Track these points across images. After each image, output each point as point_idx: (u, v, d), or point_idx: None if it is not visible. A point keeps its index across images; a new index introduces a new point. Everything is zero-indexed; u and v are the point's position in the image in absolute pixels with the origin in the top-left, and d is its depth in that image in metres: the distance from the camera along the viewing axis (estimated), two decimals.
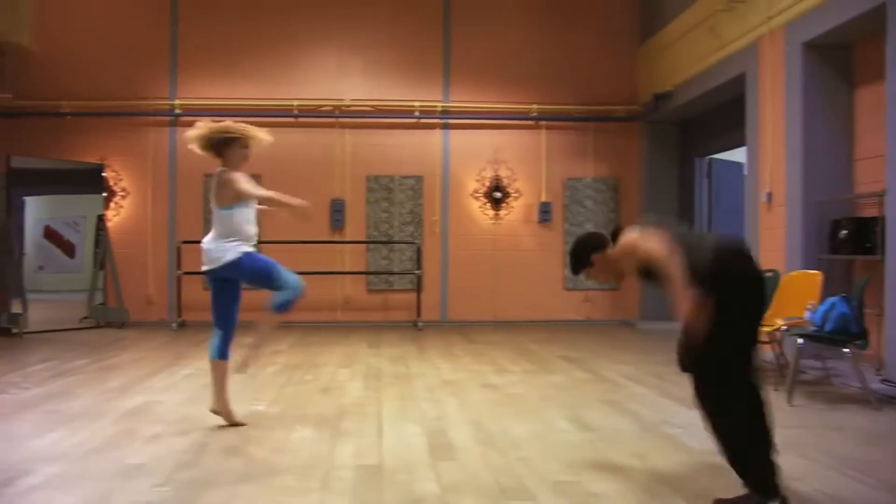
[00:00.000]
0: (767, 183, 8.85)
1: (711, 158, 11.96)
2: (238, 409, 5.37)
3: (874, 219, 7.30)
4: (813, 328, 6.19)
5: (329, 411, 5.70)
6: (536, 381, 7.07)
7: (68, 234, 11.92)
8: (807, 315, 6.38)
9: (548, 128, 12.52)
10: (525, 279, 12.45)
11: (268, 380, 7.10)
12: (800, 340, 6.24)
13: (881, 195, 7.06)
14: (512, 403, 6.02)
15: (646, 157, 12.55)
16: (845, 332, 5.95)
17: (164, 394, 6.36)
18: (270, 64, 12.33)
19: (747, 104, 9.35)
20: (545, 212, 12.43)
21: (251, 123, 11.09)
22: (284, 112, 12.20)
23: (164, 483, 3.90)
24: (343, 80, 12.39)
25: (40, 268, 11.80)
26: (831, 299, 6.13)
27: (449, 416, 5.56)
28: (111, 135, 12.12)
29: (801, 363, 7.72)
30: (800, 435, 4.97)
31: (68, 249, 11.93)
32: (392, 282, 12.37)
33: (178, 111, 12.14)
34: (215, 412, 5.19)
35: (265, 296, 5.12)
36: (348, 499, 3.68)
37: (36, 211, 11.79)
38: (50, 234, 11.87)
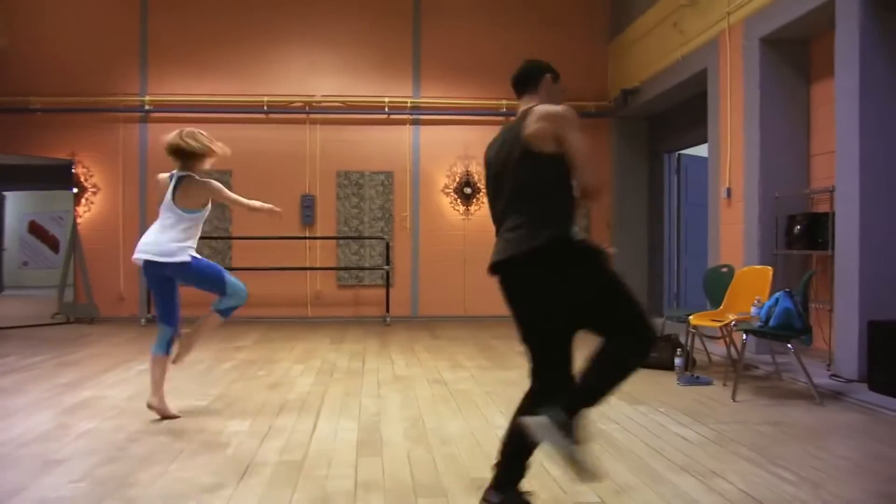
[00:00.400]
0: (727, 178, 8.89)
1: (680, 154, 11.99)
2: (181, 403, 5.42)
3: (826, 214, 7.35)
4: (759, 323, 6.22)
5: (271, 406, 5.73)
6: (487, 378, 7.10)
7: (53, 230, 11.96)
8: (753, 310, 6.42)
9: None
10: None
11: (221, 375, 7.12)
12: (744, 336, 6.29)
13: (832, 191, 7.10)
14: (456, 399, 6.06)
15: (615, 152, 12.59)
16: (789, 328, 5.99)
17: (112, 389, 6.38)
18: (240, 60, 12.33)
19: (709, 100, 9.39)
20: None
21: (222, 120, 11.28)
22: (255, 108, 12.21)
23: (80, 479, 3.92)
24: (313, 77, 12.40)
25: (24, 263, 11.86)
26: (775, 295, 6.17)
27: (388, 412, 5.59)
28: (81, 131, 12.13)
29: (753, 358, 7.82)
30: (735, 430, 5.01)
31: (53, 244, 11.97)
32: (362, 277, 12.39)
33: (148, 107, 12.13)
34: (151, 407, 5.24)
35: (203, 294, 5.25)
36: (259, 495, 3.70)
37: (19, 206, 11.83)
38: (35, 230, 11.93)
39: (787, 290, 6.13)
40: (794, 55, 8.23)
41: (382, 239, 12.21)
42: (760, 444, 4.67)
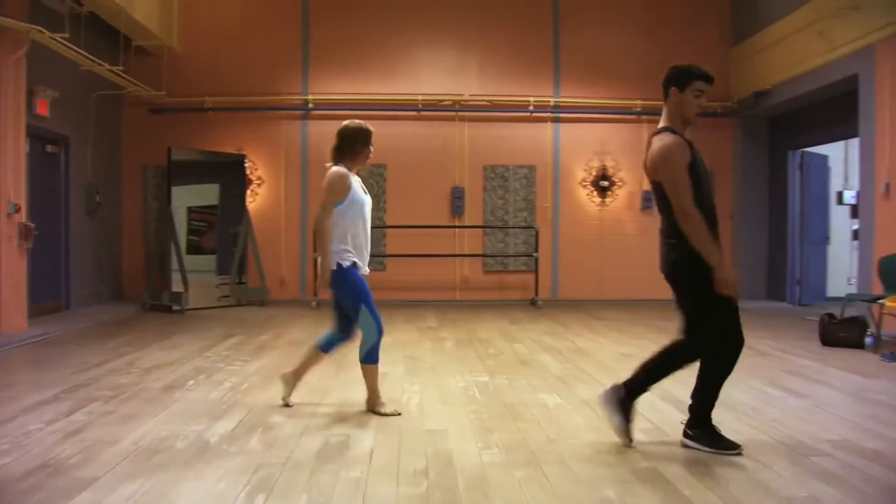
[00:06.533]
0: (885, 174, 9.88)
1: (803, 151, 13.01)
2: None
3: None
4: None
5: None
6: None
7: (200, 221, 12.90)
8: None
9: (649, 122, 13.51)
10: (629, 261, 13.49)
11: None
12: None
13: None
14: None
15: (739, 149, 13.62)
16: None
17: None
18: (394, 61, 13.34)
19: (861, 103, 10.35)
20: (647, 199, 13.46)
21: (377, 116, 12.20)
22: (408, 106, 13.18)
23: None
24: (462, 77, 13.39)
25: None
26: None
27: None
28: (247, 127, 13.09)
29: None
30: None
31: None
32: (507, 263, 13.39)
33: (310, 105, 13.09)
34: (284, 379, 5.53)
35: None
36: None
37: (178, 199, 12.76)
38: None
39: None
40: None
41: (531, 228, 13.18)
42: None
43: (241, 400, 5.57)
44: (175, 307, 11.51)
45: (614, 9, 13.60)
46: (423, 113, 13.24)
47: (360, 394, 5.47)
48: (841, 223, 13.78)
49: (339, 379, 6.40)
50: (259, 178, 13.18)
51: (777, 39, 12.28)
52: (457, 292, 13.37)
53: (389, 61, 13.34)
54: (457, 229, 13.29)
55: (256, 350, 7.99)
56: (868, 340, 8.18)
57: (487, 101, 13.37)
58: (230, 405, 5.40)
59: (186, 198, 12.51)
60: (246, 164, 12.93)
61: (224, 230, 12.83)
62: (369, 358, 5.15)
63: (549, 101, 13.38)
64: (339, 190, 5.06)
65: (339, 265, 5.05)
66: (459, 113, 13.32)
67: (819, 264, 13.21)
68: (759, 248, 13.67)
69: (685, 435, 4.45)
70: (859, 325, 8.40)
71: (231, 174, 12.83)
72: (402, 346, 8.34)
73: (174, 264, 11.81)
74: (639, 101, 13.33)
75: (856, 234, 13.80)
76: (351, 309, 5.14)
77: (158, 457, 4.16)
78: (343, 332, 5.38)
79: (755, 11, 13.01)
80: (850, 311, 8.99)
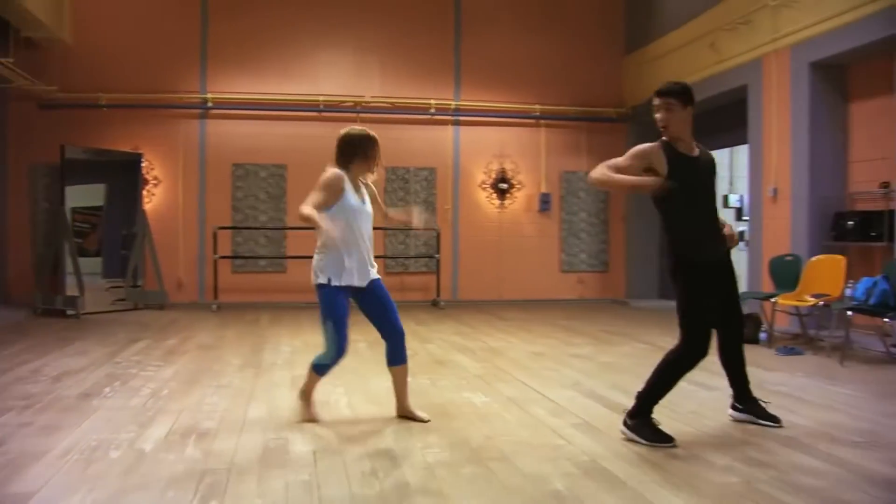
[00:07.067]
0: (772, 180, 10.44)
1: None
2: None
3: (880, 212, 8.94)
4: (855, 302, 7.72)
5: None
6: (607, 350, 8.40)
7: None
8: (848, 291, 7.93)
9: (547, 126, 13.91)
10: (527, 263, 13.79)
11: None
12: (849, 312, 7.76)
13: (886, 192, 8.71)
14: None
15: None
16: (886, 306, 7.52)
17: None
18: (296, 61, 13.25)
19: (750, 112, 10.92)
20: (545, 202, 13.82)
21: (280, 117, 12.02)
22: (310, 106, 13.11)
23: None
24: (363, 78, 13.41)
25: None
26: (873, 278, 7.70)
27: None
28: (145, 126, 12.73)
29: (816, 333, 9.36)
30: (879, 387, 6.47)
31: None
32: (408, 265, 13.48)
33: (209, 104, 12.85)
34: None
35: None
36: None
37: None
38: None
39: (885, 274, 7.67)
40: (835, 77, 9.82)
41: (432, 230, 13.30)
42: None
43: (166, 406, 5.45)
44: (70, 311, 11.11)
45: (514, 15, 13.88)
46: (324, 114, 13.18)
47: (284, 398, 5.48)
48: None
49: (261, 382, 6.36)
50: (155, 179, 12.84)
51: (670, 49, 12.79)
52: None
53: (291, 61, 13.23)
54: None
55: (167, 355, 7.80)
56: (762, 336, 8.71)
57: (389, 102, 13.42)
58: (155, 412, 5.29)
59: (72, 198, 12.01)
60: (142, 164, 12.57)
61: (112, 232, 12.44)
62: (318, 369, 5.07)
63: (450, 104, 13.55)
64: (329, 192, 4.91)
65: (316, 281, 4.94)
66: (361, 114, 13.31)
67: None
68: (651, 249, 14.16)
69: (624, 423, 4.65)
70: (754, 321, 8.87)
71: (126, 174, 12.45)
72: (314, 348, 8.19)
73: (68, 267, 11.39)
74: (538, 106, 13.66)
75: (741, 236, 14.51)
76: (321, 321, 4.97)
77: (94, 467, 4.05)
78: (386, 338, 5.17)
79: (648, 22, 13.52)
80: (744, 309, 9.46)
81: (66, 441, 4.53)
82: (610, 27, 14.23)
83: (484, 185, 13.79)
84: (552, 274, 14.01)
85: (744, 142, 11.40)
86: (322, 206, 4.86)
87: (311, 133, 13.12)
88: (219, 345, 8.55)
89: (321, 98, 13.16)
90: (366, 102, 13.35)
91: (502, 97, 13.73)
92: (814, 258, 9.12)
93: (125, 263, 12.23)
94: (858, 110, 9.62)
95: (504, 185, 13.80)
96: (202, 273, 12.89)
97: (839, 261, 8.54)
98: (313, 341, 8.80)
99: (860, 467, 4.07)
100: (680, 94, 4.69)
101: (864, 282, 7.85)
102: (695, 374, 6.58)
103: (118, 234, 12.44)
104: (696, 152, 4.81)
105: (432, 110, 13.45)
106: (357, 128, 5.24)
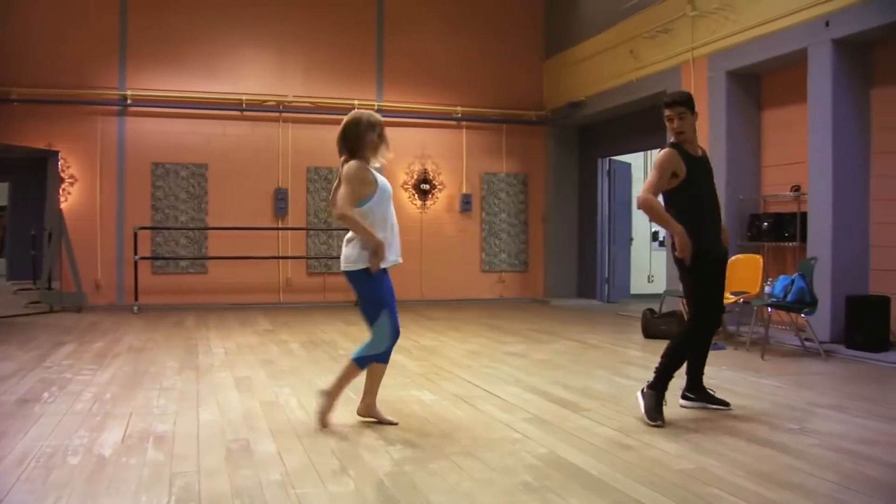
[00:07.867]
0: None
1: (611, 159, 13.99)
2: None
3: (793, 214, 9.42)
4: (773, 299, 8.13)
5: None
6: (539, 347, 8.62)
7: None
8: (767, 289, 8.34)
9: (468, 127, 14.11)
10: (448, 262, 13.96)
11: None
12: (769, 309, 8.17)
13: (800, 193, 9.19)
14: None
15: (552, 156, 14.43)
16: (802, 302, 7.95)
17: (244, 368, 7.34)
18: (218, 59, 13.09)
19: None
20: (466, 202, 14.03)
21: (201, 115, 11.88)
22: (232, 105, 12.99)
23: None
24: (285, 78, 13.35)
25: None
26: (790, 276, 8.12)
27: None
28: (59, 123, 12.37)
29: (736, 329, 9.79)
30: (799, 379, 6.85)
31: None
32: (331, 265, 13.47)
33: (128, 101, 12.58)
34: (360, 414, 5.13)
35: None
36: None
37: None
38: None
39: (801, 272, 8.10)
40: (749, 86, 10.29)
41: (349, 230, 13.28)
42: (833, 385, 6.52)
43: (113, 410, 5.37)
44: None
45: (437, 17, 14.04)
46: (246, 113, 13.10)
47: (233, 400, 5.50)
48: (640, 225, 14.93)
49: (205, 384, 6.33)
50: (72, 177, 12.49)
51: (591, 54, 13.15)
52: (280, 294, 13.29)
53: (212, 59, 13.06)
54: (280, 231, 13.21)
55: (98, 358, 7.64)
56: None
57: (311, 102, 13.40)
58: (103, 416, 5.20)
59: None
60: (58, 162, 12.22)
61: (19, 232, 12.08)
62: (362, 362, 4.90)
63: (372, 105, 13.59)
64: (367, 182, 4.83)
65: (355, 268, 4.85)
66: (283, 114, 13.27)
67: (624, 264, 14.25)
68: (569, 250, 14.52)
69: (642, 391, 5.12)
70: (677, 318, 9.22)
71: (36, 172, 12.08)
72: (248, 350, 8.29)
73: None
74: (459, 108, 13.86)
75: (654, 236, 15.03)
76: (370, 311, 4.91)
77: (56, 473, 3.98)
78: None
79: (569, 27, 13.87)
80: (668, 306, 9.85)
81: (17, 449, 4.43)
82: (531, 30, 14.54)
83: (406, 186, 13.89)
84: (473, 274, 14.23)
85: (662, 146, 11.77)
86: (356, 202, 4.78)
87: (233, 132, 13.04)
88: (149, 347, 8.42)
89: (244, 97, 13.06)
90: (288, 102, 13.30)
91: (424, 98, 13.87)
92: (732, 258, 9.53)
93: (35, 265, 11.88)
94: (771, 117, 10.11)
95: (426, 186, 13.94)
96: (121, 274, 12.61)
97: (756, 260, 8.99)
98: (246, 342, 8.80)
99: (801, 452, 4.36)
100: (688, 102, 5.24)
101: (782, 279, 8.26)
102: (628, 370, 6.91)
103: (26, 235, 12.08)
104: (700, 153, 5.23)
105: (354, 110, 13.43)
106: (359, 110, 5.13)
